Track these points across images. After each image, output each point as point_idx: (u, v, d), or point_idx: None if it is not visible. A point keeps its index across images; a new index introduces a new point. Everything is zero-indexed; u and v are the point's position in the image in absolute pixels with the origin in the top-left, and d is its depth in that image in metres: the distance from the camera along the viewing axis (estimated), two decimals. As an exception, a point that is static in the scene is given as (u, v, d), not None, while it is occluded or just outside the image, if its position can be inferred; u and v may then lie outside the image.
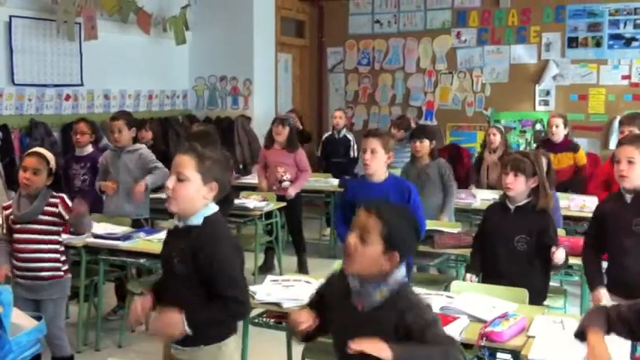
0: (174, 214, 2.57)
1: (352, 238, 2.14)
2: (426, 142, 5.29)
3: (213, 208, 2.56)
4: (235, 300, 2.48)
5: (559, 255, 3.44)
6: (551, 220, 3.63)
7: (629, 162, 3.28)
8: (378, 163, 3.87)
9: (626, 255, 3.30)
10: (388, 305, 2.12)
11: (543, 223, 3.57)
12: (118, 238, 4.49)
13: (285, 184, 6.24)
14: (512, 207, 3.63)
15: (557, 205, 4.92)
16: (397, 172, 5.17)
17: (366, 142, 3.91)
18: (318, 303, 2.41)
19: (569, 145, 6.32)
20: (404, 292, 2.17)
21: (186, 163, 2.48)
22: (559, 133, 6.25)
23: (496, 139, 6.39)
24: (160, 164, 5.14)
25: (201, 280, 2.47)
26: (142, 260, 4.38)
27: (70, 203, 3.78)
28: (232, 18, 8.50)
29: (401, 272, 2.17)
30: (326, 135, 8.12)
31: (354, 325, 2.15)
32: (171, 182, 2.49)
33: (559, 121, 6.27)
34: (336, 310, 2.27)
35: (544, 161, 4.81)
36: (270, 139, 6.34)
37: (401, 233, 2.13)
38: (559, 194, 5.02)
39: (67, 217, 3.77)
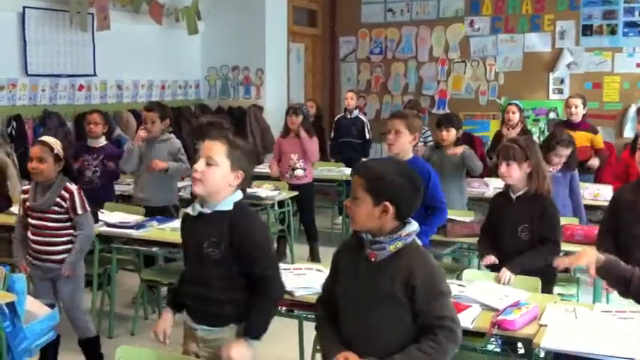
0: (197, 196, 2.61)
1: (347, 202, 2.27)
2: (453, 131, 5.27)
3: (240, 194, 2.62)
4: (277, 279, 2.61)
5: (503, 279, 3.44)
6: (550, 205, 3.61)
7: None
8: (403, 144, 3.85)
9: (637, 246, 3.21)
10: (400, 258, 2.21)
11: (542, 210, 3.57)
12: (131, 227, 4.51)
13: (298, 171, 6.26)
14: (513, 196, 3.64)
15: (577, 182, 4.91)
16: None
17: (390, 123, 3.90)
18: (332, 276, 2.43)
19: (588, 127, 6.39)
20: (418, 250, 2.26)
21: (218, 149, 2.54)
22: (578, 113, 6.35)
23: (515, 117, 6.47)
24: (185, 159, 5.24)
25: (239, 262, 2.54)
26: (154, 249, 4.39)
27: (79, 200, 3.79)
28: (244, 8, 8.48)
29: (412, 226, 2.24)
30: (337, 117, 8.14)
31: (363, 276, 2.25)
32: (200, 165, 2.53)
33: (578, 102, 6.36)
34: (346, 267, 2.34)
35: (569, 152, 4.78)
36: (286, 128, 6.38)
37: (384, 182, 2.20)
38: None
39: (72, 215, 3.78)
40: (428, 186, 3.77)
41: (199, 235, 2.58)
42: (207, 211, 2.58)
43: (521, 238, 3.58)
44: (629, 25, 8.23)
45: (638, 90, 8.11)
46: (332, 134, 8.05)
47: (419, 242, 2.33)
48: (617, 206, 3.41)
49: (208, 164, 2.52)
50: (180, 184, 5.69)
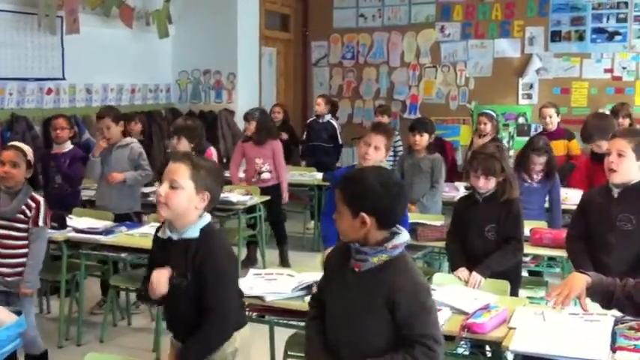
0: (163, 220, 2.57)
1: (334, 214, 2.25)
2: (426, 136, 5.32)
3: (207, 218, 2.57)
4: (223, 320, 2.50)
5: (473, 282, 3.50)
6: (515, 205, 3.67)
7: (620, 155, 3.22)
8: (378, 158, 3.85)
9: (608, 252, 3.25)
10: (384, 271, 2.18)
11: (508, 210, 3.63)
12: (99, 233, 4.47)
13: (265, 175, 6.27)
14: (480, 198, 3.70)
15: (558, 189, 5.00)
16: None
17: (371, 138, 3.85)
18: (322, 282, 2.45)
19: (563, 134, 6.46)
20: (405, 264, 2.22)
21: (181, 171, 2.48)
22: (553, 122, 6.43)
23: (487, 127, 6.50)
24: (147, 165, 5.20)
25: (199, 292, 2.48)
26: (123, 255, 4.35)
27: (43, 211, 3.75)
28: (216, 11, 8.44)
29: (401, 238, 2.21)
30: (310, 120, 8.16)
31: (348, 285, 2.23)
32: (163, 189, 2.48)
33: (552, 112, 6.44)
34: (334, 275, 2.33)
35: (545, 160, 4.83)
36: (246, 132, 6.42)
37: (360, 195, 2.18)
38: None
39: (31, 225, 3.73)
40: None
41: (168, 262, 2.52)
42: (174, 237, 2.53)
43: (487, 238, 3.65)
44: (597, 31, 8.37)
45: (606, 95, 8.24)
46: (304, 137, 8.06)
47: (408, 255, 2.28)
48: (586, 210, 3.45)
49: (172, 187, 2.46)
50: (149, 190, 5.64)
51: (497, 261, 3.58)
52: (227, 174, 7.10)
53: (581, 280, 2.18)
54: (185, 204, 2.47)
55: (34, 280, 3.76)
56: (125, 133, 5.30)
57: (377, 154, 3.84)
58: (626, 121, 6.60)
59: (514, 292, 3.60)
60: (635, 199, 3.21)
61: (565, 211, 5.35)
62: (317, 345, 2.33)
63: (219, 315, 2.48)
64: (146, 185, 5.57)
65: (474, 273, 3.53)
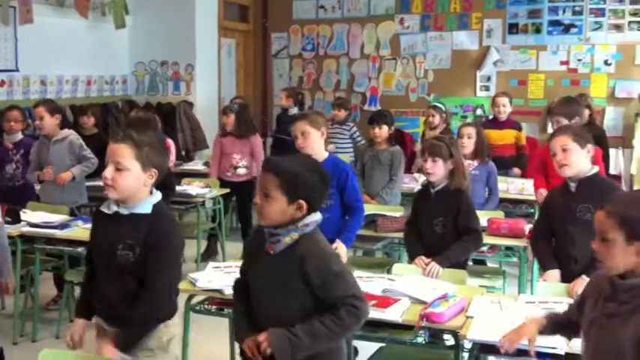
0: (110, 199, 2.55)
1: (257, 199, 2.27)
2: (385, 128, 5.34)
3: (158, 195, 2.58)
4: (168, 297, 2.54)
5: (431, 271, 3.54)
6: (466, 199, 3.73)
7: (564, 150, 3.37)
8: (313, 143, 3.80)
9: (572, 243, 3.37)
10: (295, 247, 2.26)
11: (458, 205, 3.68)
12: (54, 227, 4.39)
13: (241, 170, 6.22)
14: (432, 191, 3.75)
15: (495, 175, 5.07)
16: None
17: (295, 128, 3.86)
18: (246, 260, 2.49)
19: (513, 124, 6.60)
20: (309, 238, 2.29)
21: (124, 152, 2.47)
22: (506, 111, 6.55)
23: (435, 119, 6.55)
24: (89, 154, 5.10)
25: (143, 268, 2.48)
26: (79, 249, 4.29)
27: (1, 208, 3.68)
28: (173, 2, 8.35)
29: (313, 217, 2.29)
30: (278, 113, 8.15)
31: (265, 269, 2.31)
32: (109, 172, 2.47)
33: (505, 101, 6.56)
34: (254, 257, 2.39)
35: (474, 135, 5.00)
36: (224, 128, 6.34)
37: (299, 181, 2.24)
38: (500, 174, 5.28)
39: None
40: (346, 186, 3.80)
41: (114, 236, 2.50)
42: (124, 211, 2.52)
43: (435, 231, 3.70)
44: (554, 23, 8.49)
45: (562, 87, 8.36)
46: (274, 129, 8.02)
47: (319, 233, 2.34)
48: (549, 208, 3.57)
49: (118, 169, 2.46)
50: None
51: (457, 252, 3.64)
52: (187, 167, 7.12)
53: (533, 325, 2.21)
54: (134, 184, 2.48)
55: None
56: (71, 127, 5.20)
57: (308, 139, 3.79)
58: (586, 112, 6.72)
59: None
60: (592, 189, 3.33)
61: (523, 202, 5.46)
62: (243, 324, 2.39)
63: (165, 295, 2.51)
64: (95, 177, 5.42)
65: (432, 262, 3.57)
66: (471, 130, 5.10)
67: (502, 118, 6.55)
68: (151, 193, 2.55)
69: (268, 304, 2.31)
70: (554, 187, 3.74)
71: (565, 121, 4.77)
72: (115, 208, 2.53)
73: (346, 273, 2.30)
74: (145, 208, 2.52)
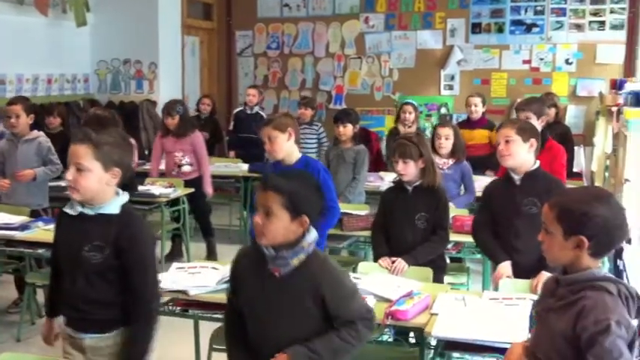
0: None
1: (258, 218, 2.23)
2: (350, 127, 5.38)
3: (126, 196, 2.55)
4: (152, 303, 2.51)
5: (398, 267, 3.57)
6: (444, 195, 3.79)
7: (507, 142, 3.45)
8: (281, 147, 3.79)
9: (517, 236, 3.42)
10: (305, 270, 2.25)
11: (437, 200, 3.73)
12: (15, 228, 4.32)
13: (185, 167, 6.16)
14: (409, 188, 3.76)
15: (469, 174, 5.14)
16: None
17: (262, 134, 3.84)
18: (234, 289, 2.46)
19: (485, 124, 6.74)
20: (319, 258, 2.30)
21: (84, 153, 2.44)
22: (478, 111, 6.74)
23: (411, 116, 6.67)
24: (56, 159, 5.01)
25: (119, 270, 2.46)
26: (40, 250, 4.22)
27: None
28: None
29: (312, 235, 2.28)
30: (236, 110, 8.08)
31: (269, 291, 2.27)
32: (70, 173, 2.44)
33: (478, 101, 6.75)
34: (249, 280, 2.34)
35: (452, 136, 5.05)
36: (165, 128, 6.22)
37: (302, 197, 2.24)
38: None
39: None
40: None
41: (79, 237, 2.47)
42: (89, 212, 2.49)
43: (417, 226, 3.72)
44: (516, 23, 8.60)
45: (524, 86, 8.48)
46: (231, 127, 7.99)
47: (319, 250, 2.38)
48: (491, 198, 3.63)
49: (79, 170, 2.43)
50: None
51: (425, 251, 3.66)
52: (150, 166, 7.03)
53: (518, 348, 2.23)
54: (96, 185, 2.44)
55: None
56: (40, 127, 5.12)
57: (275, 143, 3.78)
58: (552, 111, 6.83)
59: (440, 279, 3.69)
60: (537, 183, 3.42)
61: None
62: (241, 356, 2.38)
63: (150, 302, 2.50)
64: (57, 179, 5.36)
65: (399, 259, 3.59)
66: (449, 132, 5.15)
67: (474, 117, 6.71)
68: (117, 193, 2.52)
69: (275, 329, 2.28)
70: (495, 180, 3.83)
71: (534, 118, 4.86)
72: (79, 209, 2.49)
73: (356, 289, 2.38)
74: (112, 208, 2.49)
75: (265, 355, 2.26)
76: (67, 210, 2.53)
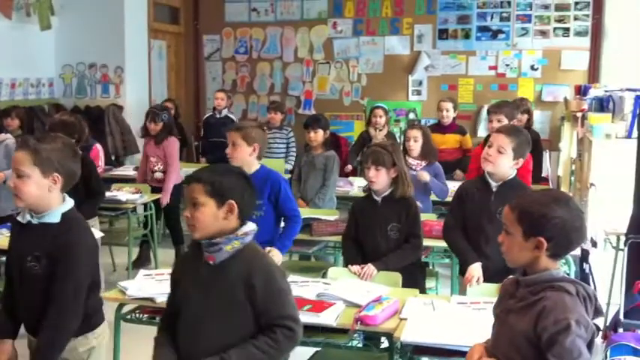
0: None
1: (187, 212, 2.27)
2: (320, 132, 5.39)
3: (70, 203, 2.54)
4: (63, 309, 2.45)
5: (367, 273, 3.55)
6: (413, 204, 3.77)
7: (499, 151, 3.41)
8: (241, 157, 3.79)
9: (487, 241, 3.41)
10: (238, 258, 2.26)
11: (407, 209, 3.71)
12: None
13: (157, 174, 6.12)
14: (378, 199, 3.75)
15: (442, 174, 5.20)
16: (273, 162, 5.19)
17: (228, 136, 3.86)
18: (173, 293, 2.45)
19: (456, 129, 6.86)
20: (256, 250, 2.33)
21: (23, 159, 2.45)
22: (449, 116, 6.82)
23: (382, 120, 6.81)
24: None
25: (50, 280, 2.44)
26: (2, 258, 4.13)
27: None
28: (101, 2, 8.16)
29: (249, 226, 2.30)
30: (206, 116, 8.05)
31: (205, 280, 2.27)
32: (12, 180, 2.46)
33: (449, 106, 6.83)
34: (186, 275, 2.36)
35: (421, 138, 5.09)
36: (146, 132, 6.20)
37: (223, 181, 2.26)
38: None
39: None
40: (280, 196, 3.82)
41: (24, 247, 2.48)
42: (34, 221, 2.49)
43: (390, 237, 3.70)
44: (482, 29, 8.69)
45: (491, 92, 8.57)
46: (202, 133, 7.94)
47: (256, 244, 2.37)
48: (463, 200, 3.60)
49: (19, 176, 2.44)
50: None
51: (395, 259, 3.64)
52: (117, 172, 6.97)
53: (478, 348, 2.24)
54: (35, 191, 2.44)
55: None
56: (0, 129, 5.04)
57: (237, 150, 3.79)
58: (525, 117, 6.91)
59: (422, 287, 3.69)
60: (512, 191, 3.32)
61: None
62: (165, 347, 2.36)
63: (63, 310, 2.45)
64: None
65: (368, 265, 3.57)
66: (417, 133, 5.19)
67: (445, 122, 6.79)
68: (64, 200, 2.52)
69: (207, 319, 2.27)
70: (470, 181, 3.79)
71: (505, 120, 4.93)
72: (28, 218, 2.50)
73: (289, 292, 2.32)
74: (54, 217, 2.48)
75: (193, 355, 2.27)
76: (19, 218, 2.54)
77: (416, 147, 5.18)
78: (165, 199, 6.07)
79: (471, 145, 6.83)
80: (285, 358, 2.39)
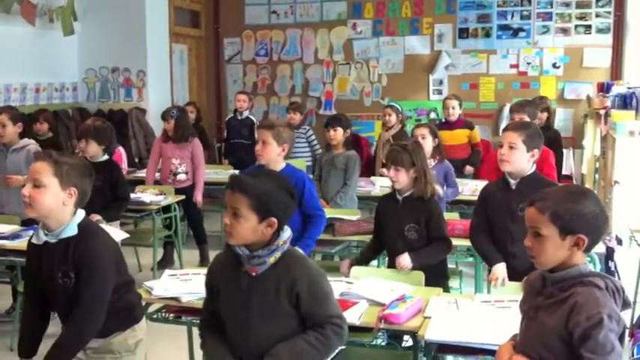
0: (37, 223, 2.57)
1: (226, 218, 2.26)
2: (340, 131, 5.38)
3: (82, 214, 2.57)
4: (89, 310, 2.51)
5: (402, 262, 3.56)
6: (436, 206, 3.75)
7: (511, 147, 3.42)
8: (270, 154, 3.81)
9: (512, 241, 3.41)
10: (281, 267, 2.27)
11: (429, 211, 3.68)
12: (5, 237, 4.31)
13: (181, 176, 6.18)
14: (400, 198, 3.74)
15: (452, 172, 5.17)
16: (294, 162, 5.19)
17: (258, 133, 3.89)
18: (211, 296, 2.45)
19: (464, 124, 6.86)
20: (296, 256, 2.34)
21: (42, 169, 2.48)
22: (455, 114, 6.82)
23: (391, 118, 6.73)
24: None
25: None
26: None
27: None
28: (123, 8, 8.27)
29: (286, 233, 2.31)
30: (228, 118, 8.10)
31: (248, 289, 2.28)
32: (27, 189, 2.47)
33: (455, 103, 6.82)
34: (226, 284, 2.36)
35: (429, 135, 5.05)
36: (165, 133, 6.28)
37: (270, 199, 2.25)
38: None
39: None
40: (304, 195, 3.82)
41: (50, 266, 2.51)
42: (52, 240, 2.51)
43: (407, 237, 3.69)
44: (503, 28, 8.66)
45: (512, 90, 8.55)
46: (225, 135, 8.01)
47: (292, 248, 2.38)
48: (487, 203, 3.60)
49: (36, 186, 2.46)
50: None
51: (429, 255, 3.63)
52: (141, 174, 7.02)
53: (507, 347, 2.24)
54: (51, 202, 2.47)
55: None
56: (26, 135, 5.10)
57: (266, 149, 3.80)
58: (544, 115, 6.89)
59: (445, 286, 3.68)
60: (533, 187, 3.30)
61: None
62: (222, 348, 2.37)
63: (87, 311, 2.50)
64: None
65: (405, 255, 3.57)
66: (425, 131, 5.15)
67: (452, 119, 6.80)
68: (74, 214, 2.54)
69: (254, 329, 2.29)
70: (491, 183, 3.76)
71: (528, 120, 4.92)
72: (44, 238, 2.52)
73: (331, 292, 2.35)
74: (71, 230, 2.51)
75: (244, 354, 2.31)
76: (34, 240, 2.57)
77: (424, 144, 5.14)
78: (200, 197, 6.19)
79: (479, 140, 6.87)
80: (332, 357, 2.39)
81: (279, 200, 2.27)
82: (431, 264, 3.61)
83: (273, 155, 3.82)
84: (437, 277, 3.61)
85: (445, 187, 5.08)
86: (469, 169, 6.53)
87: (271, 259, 2.25)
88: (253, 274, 2.26)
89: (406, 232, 3.68)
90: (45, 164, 2.47)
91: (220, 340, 2.38)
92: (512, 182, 3.48)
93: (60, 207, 2.48)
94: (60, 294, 2.52)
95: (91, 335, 2.55)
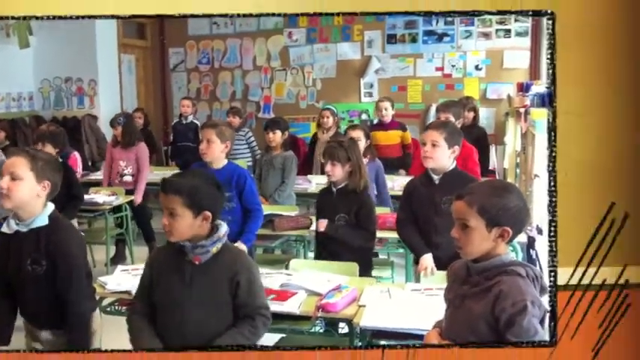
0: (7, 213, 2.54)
1: (164, 219, 2.30)
2: (279, 133, 5.35)
3: (52, 206, 2.57)
4: (76, 301, 2.52)
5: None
6: (368, 199, 3.78)
7: (434, 145, 3.40)
8: (214, 152, 3.80)
9: (436, 232, 3.39)
10: (222, 257, 2.33)
11: (360, 202, 3.71)
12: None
13: (127, 177, 6.10)
14: (334, 189, 3.77)
15: (382, 175, 5.16)
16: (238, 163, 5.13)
17: (202, 133, 3.87)
18: (148, 287, 2.44)
19: (397, 125, 6.83)
20: (236, 250, 2.48)
21: (20, 163, 2.48)
22: (389, 114, 6.76)
23: (329, 120, 6.65)
24: None
25: (55, 279, 2.48)
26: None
27: None
28: (75, 23, 7.91)
29: (224, 227, 2.36)
30: (174, 122, 7.99)
31: (192, 277, 2.32)
32: (5, 181, 2.46)
33: (387, 105, 6.78)
34: (168, 273, 2.36)
35: (363, 137, 5.06)
36: (115, 137, 6.23)
37: (200, 194, 2.29)
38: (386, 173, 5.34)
39: None
40: (244, 190, 3.79)
41: (19, 254, 2.48)
42: (23, 229, 2.49)
43: (336, 224, 3.73)
44: (428, 33, 8.70)
45: (438, 91, 8.59)
46: (171, 139, 7.88)
47: (229, 243, 2.43)
48: (411, 196, 3.58)
49: (13, 179, 2.46)
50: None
51: (347, 232, 3.67)
52: (94, 176, 6.91)
53: (434, 334, 2.23)
54: (27, 193, 2.47)
55: None
56: None
57: (211, 147, 3.78)
58: (471, 115, 6.92)
59: (368, 274, 3.67)
60: (455, 182, 3.34)
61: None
62: (150, 332, 2.37)
63: (78, 304, 2.52)
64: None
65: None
66: (359, 133, 5.13)
67: (386, 120, 6.75)
68: (45, 206, 2.53)
69: (190, 314, 2.31)
70: (415, 178, 3.75)
71: (453, 119, 4.93)
72: (15, 227, 2.49)
73: (262, 285, 2.44)
74: (42, 220, 2.50)
75: (176, 340, 2.33)
76: (4, 230, 2.52)
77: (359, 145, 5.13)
78: (139, 199, 6.07)
79: (410, 141, 6.83)
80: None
81: (209, 194, 2.31)
82: (347, 242, 3.65)
83: (217, 153, 3.80)
84: (367, 266, 3.63)
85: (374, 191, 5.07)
86: (402, 172, 6.45)
87: (214, 249, 2.31)
88: (197, 262, 2.30)
89: (336, 221, 3.71)
90: (22, 159, 2.50)
91: (149, 324, 2.39)
92: (436, 177, 3.46)
93: (34, 198, 2.49)
94: (28, 284, 2.48)
95: (91, 312, 2.61)
